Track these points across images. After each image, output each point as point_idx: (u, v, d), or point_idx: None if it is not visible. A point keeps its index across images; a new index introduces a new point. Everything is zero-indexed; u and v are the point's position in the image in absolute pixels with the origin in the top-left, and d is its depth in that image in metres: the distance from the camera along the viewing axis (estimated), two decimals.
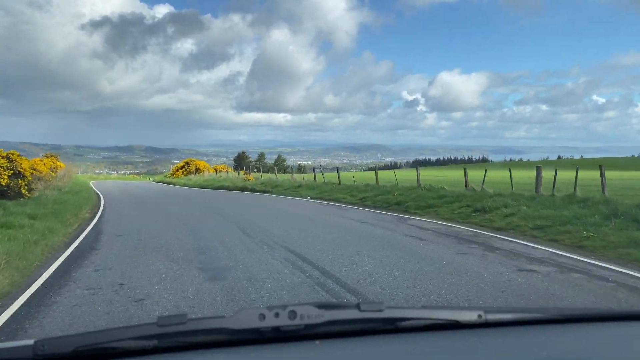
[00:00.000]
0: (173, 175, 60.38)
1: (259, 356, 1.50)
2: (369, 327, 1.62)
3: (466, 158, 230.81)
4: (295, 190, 28.36)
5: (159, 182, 58.03)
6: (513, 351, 1.57)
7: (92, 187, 37.70)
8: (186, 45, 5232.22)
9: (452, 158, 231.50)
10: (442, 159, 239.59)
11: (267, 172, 48.34)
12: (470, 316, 1.69)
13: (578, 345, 1.64)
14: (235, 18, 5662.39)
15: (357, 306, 1.59)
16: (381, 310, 1.60)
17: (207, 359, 1.49)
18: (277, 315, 1.50)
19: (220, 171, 59.54)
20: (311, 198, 24.19)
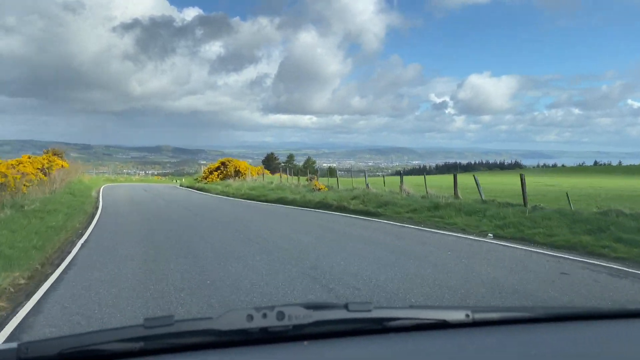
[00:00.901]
0: (206, 178, 47.25)
1: (246, 357, 1.49)
2: (357, 327, 1.64)
3: (497, 162, 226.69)
4: (432, 214, 16.08)
5: (187, 187, 46.06)
6: (501, 350, 1.59)
7: (94, 197, 28.01)
8: (214, 48, 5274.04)
9: (484, 162, 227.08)
10: (472, 162, 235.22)
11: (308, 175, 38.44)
12: (458, 315, 1.72)
13: (566, 344, 1.66)
14: (264, 21, 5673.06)
15: (345, 306, 1.60)
16: (369, 310, 1.62)
17: None
18: (264, 316, 1.51)
19: (261, 174, 45.77)
20: (494, 236, 12.48)
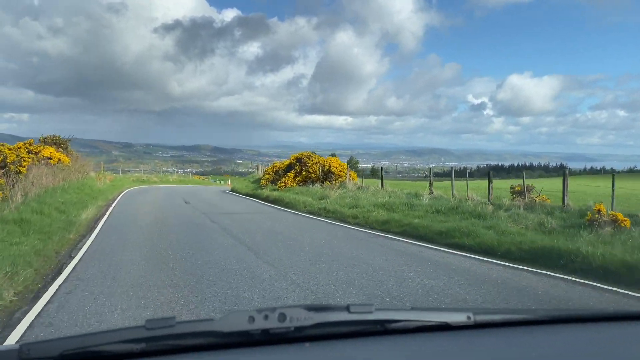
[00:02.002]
0: (274, 182, 31.24)
1: (248, 359, 1.49)
2: (358, 329, 1.64)
3: (542, 164, 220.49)
4: None
5: (247, 194, 30.66)
6: (502, 352, 1.59)
7: (84, 221, 15.13)
8: (252, 49, 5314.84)
9: (527, 164, 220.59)
10: (516, 165, 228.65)
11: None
12: (459, 318, 1.72)
13: (567, 346, 1.66)
14: (301, 21, 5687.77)
15: (347, 308, 1.60)
16: (370, 312, 1.62)
17: None
18: (266, 317, 1.50)
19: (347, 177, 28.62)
20: None
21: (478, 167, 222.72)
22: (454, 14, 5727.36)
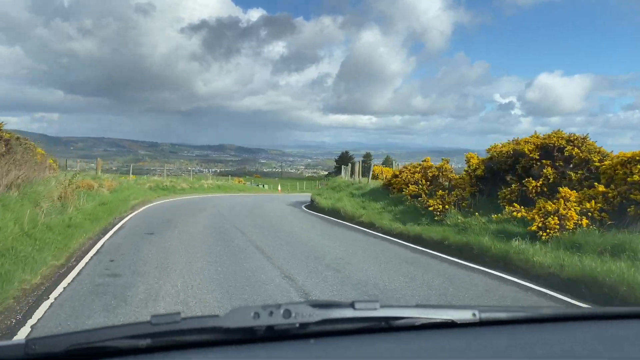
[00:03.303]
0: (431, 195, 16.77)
1: (253, 355, 1.50)
2: (363, 325, 1.64)
3: None
4: None
5: (374, 225, 15.64)
6: (508, 350, 1.58)
7: None
8: (277, 48, 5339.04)
9: None
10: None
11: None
12: (465, 315, 1.72)
13: (573, 344, 1.65)
14: (327, 20, 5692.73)
15: (352, 305, 1.60)
16: (375, 309, 1.62)
17: (201, 358, 1.50)
18: (271, 314, 1.50)
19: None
20: None
21: None
22: (482, 12, 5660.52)
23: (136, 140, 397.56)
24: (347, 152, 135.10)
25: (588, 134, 13.56)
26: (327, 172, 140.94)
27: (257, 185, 58.55)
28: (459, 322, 1.71)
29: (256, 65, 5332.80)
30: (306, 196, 33.75)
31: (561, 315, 1.92)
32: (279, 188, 55.55)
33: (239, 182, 55.08)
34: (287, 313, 1.51)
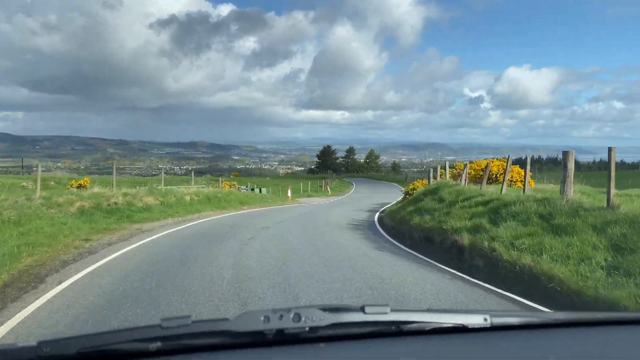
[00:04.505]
0: None
1: (263, 358, 1.51)
2: (374, 330, 1.63)
3: (541, 157, 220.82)
4: None
5: None
6: (519, 355, 1.57)
7: None
8: (249, 44, 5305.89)
9: (536, 157, 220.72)
10: (522, 158, 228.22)
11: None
12: (476, 320, 1.70)
13: (586, 350, 1.64)
14: (298, 15, 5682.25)
15: (362, 309, 1.60)
16: (386, 313, 1.61)
17: None
18: (281, 317, 1.51)
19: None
20: None
21: (485, 160, 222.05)
22: (453, 7, 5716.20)
23: (105, 139, 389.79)
24: (329, 147, 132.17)
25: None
26: (309, 168, 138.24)
27: (252, 190, 43.89)
28: (470, 327, 1.68)
29: (227, 61, 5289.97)
30: (354, 207, 30.79)
31: (574, 321, 1.87)
32: (289, 194, 44.75)
33: (230, 186, 39.23)
34: (297, 317, 1.51)
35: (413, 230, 14.66)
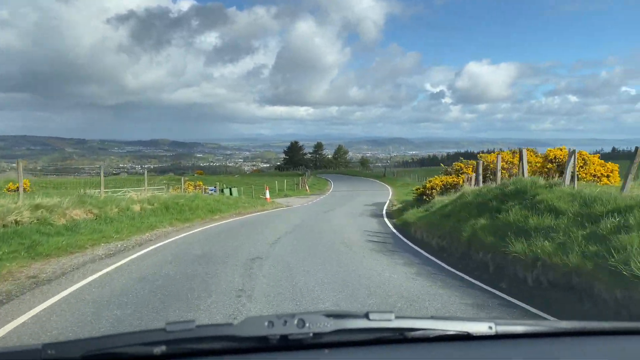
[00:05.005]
0: None
1: None
2: (378, 336, 1.61)
3: (502, 150, 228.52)
4: None
5: None
6: None
7: None
8: (210, 39, 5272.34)
9: (485, 151, 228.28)
10: (485, 150, 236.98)
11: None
12: (481, 327, 1.67)
13: (590, 359, 1.62)
14: (260, 11, 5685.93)
15: (366, 315, 1.58)
16: (390, 320, 1.59)
17: None
18: (285, 323, 1.50)
19: None
20: None
21: (448, 154, 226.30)
22: (413, 3, 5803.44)
23: (63, 138, 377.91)
24: (296, 143, 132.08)
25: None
26: (276, 164, 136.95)
27: (222, 192, 36.73)
28: (474, 335, 1.67)
29: (189, 57, 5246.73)
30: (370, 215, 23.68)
31: (579, 330, 1.82)
32: (267, 195, 36.45)
33: (195, 187, 33.51)
34: (301, 323, 1.51)
35: (517, 265, 8.51)
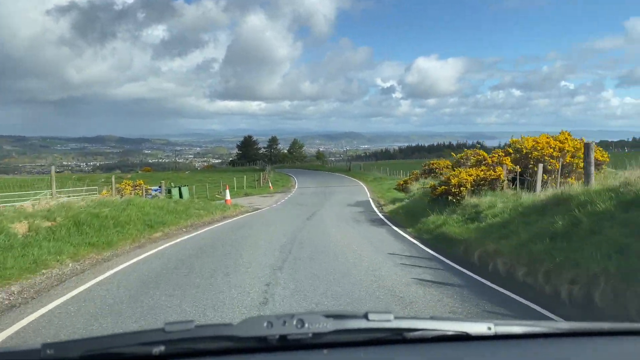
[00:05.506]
0: None
1: None
2: (377, 336, 1.60)
3: (452, 143, 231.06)
4: None
5: None
6: None
7: None
8: (157, 32, 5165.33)
9: (447, 144, 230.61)
10: (435, 144, 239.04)
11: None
12: (480, 328, 1.66)
13: None
14: (209, 3, 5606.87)
15: (365, 316, 1.56)
16: (389, 321, 1.58)
17: None
18: (284, 323, 1.48)
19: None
20: None
21: (400, 148, 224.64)
22: None
23: (1, 135, 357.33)
24: (250, 137, 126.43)
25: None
26: (230, 160, 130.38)
27: (169, 192, 29.21)
28: (473, 335, 1.66)
29: (135, 51, 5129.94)
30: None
31: (578, 331, 1.82)
32: (227, 196, 28.24)
33: (134, 187, 26.05)
34: (301, 323, 1.49)
35: None
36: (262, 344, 1.48)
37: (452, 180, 16.13)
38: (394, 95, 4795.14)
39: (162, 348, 1.45)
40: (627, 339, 1.79)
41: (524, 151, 16.88)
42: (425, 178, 33.38)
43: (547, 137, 17.35)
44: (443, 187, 16.44)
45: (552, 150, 16.47)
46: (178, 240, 13.45)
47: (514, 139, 18.48)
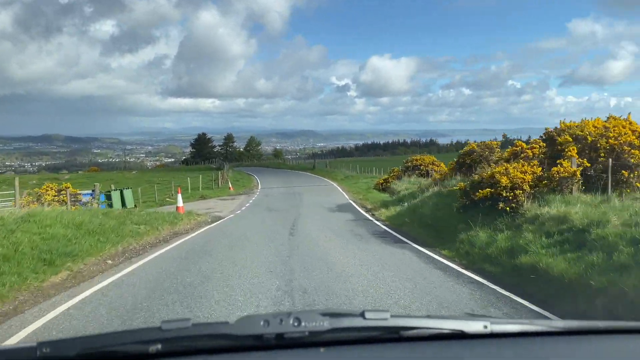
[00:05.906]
0: None
1: None
2: (373, 335, 1.59)
3: (406, 141, 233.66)
4: None
5: None
6: None
7: None
8: (106, 27, 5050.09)
9: (401, 142, 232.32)
10: (390, 142, 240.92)
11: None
12: (476, 326, 1.65)
13: (585, 359, 1.61)
14: None
15: (362, 314, 1.55)
16: (386, 319, 1.57)
17: None
18: (281, 321, 1.47)
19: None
20: None
21: (356, 146, 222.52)
22: None
23: None
24: (204, 135, 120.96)
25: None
26: (183, 159, 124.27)
27: (108, 197, 23.81)
28: (469, 334, 1.64)
29: (83, 46, 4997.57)
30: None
31: (574, 329, 1.80)
32: (180, 202, 22.20)
33: (57, 193, 19.40)
34: (297, 321, 1.48)
35: None
36: (259, 343, 1.47)
37: (502, 180, 11.37)
38: (348, 94, 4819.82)
39: (158, 346, 1.43)
40: (622, 337, 1.77)
41: (589, 139, 12.34)
42: (410, 176, 29.45)
43: (615, 120, 13.11)
44: (488, 189, 11.63)
45: (634, 137, 12.07)
46: (87, 292, 7.55)
47: (567, 122, 13.90)
